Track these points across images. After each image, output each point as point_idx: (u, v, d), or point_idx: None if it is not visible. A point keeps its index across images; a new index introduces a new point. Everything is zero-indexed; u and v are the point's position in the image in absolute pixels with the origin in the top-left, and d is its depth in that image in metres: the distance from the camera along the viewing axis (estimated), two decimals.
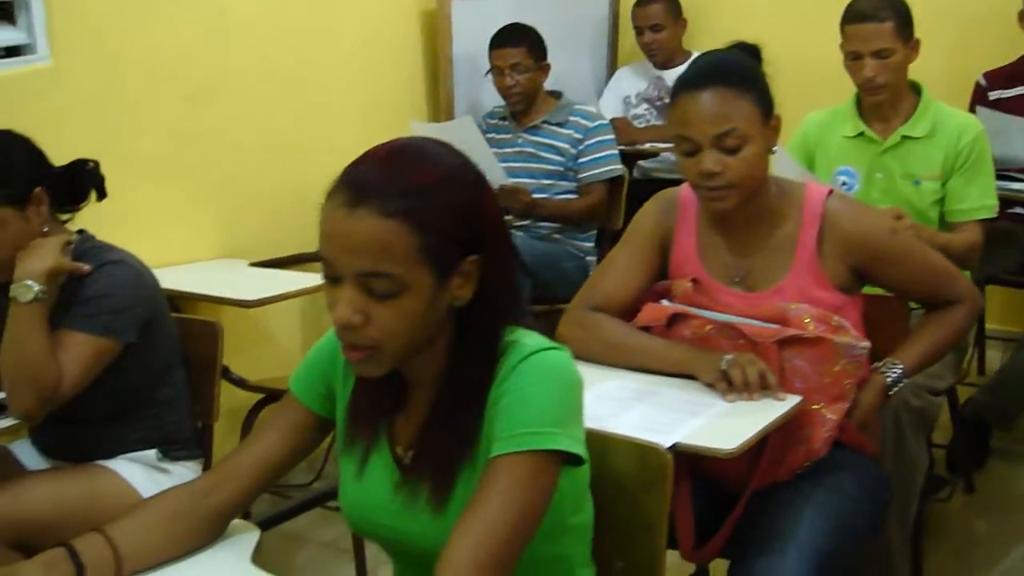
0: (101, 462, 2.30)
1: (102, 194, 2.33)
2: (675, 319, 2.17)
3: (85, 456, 2.32)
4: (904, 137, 2.98)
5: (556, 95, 3.99)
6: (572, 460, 1.41)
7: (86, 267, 2.20)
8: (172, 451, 2.37)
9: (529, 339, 1.47)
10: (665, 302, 2.23)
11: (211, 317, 2.64)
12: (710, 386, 2.04)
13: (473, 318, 1.44)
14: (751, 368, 1.99)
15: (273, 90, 3.41)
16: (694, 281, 2.19)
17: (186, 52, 3.10)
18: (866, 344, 2.03)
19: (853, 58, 2.96)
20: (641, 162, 4.47)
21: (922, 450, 2.67)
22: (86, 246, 2.27)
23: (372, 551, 2.98)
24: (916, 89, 3.03)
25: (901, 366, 2.18)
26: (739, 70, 2.08)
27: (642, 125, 4.52)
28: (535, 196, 3.72)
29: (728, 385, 2.00)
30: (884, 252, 2.14)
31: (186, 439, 2.42)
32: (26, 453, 2.43)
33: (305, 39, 3.56)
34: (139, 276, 2.27)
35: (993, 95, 3.63)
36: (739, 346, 2.09)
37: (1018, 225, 3.60)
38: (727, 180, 2.06)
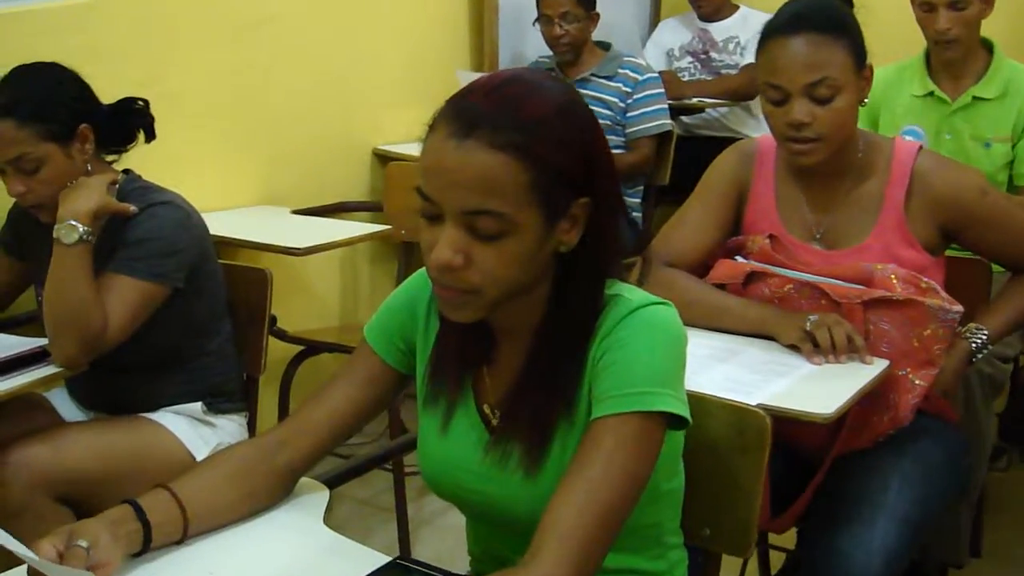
0: (144, 414, 2.22)
1: (151, 135, 2.23)
2: (752, 277, 2.07)
3: (127, 408, 2.23)
4: (975, 98, 2.86)
5: (604, 46, 3.86)
6: (675, 422, 1.31)
7: (132, 208, 2.11)
8: (218, 404, 2.29)
9: (631, 294, 1.37)
10: (740, 258, 2.13)
11: (250, 264, 2.54)
12: (791, 348, 1.94)
13: (577, 267, 1.34)
14: (838, 329, 1.90)
15: (319, 32, 3.29)
16: (771, 237, 2.09)
17: None
18: (959, 308, 1.93)
19: (926, 9, 2.83)
20: (684, 118, 4.34)
21: (991, 418, 2.58)
22: (132, 186, 2.17)
23: (413, 509, 2.92)
24: (988, 47, 2.91)
25: (986, 332, 2.08)
26: (833, 15, 1.97)
27: (686, 79, 4.39)
28: None
29: (813, 347, 1.90)
30: (976, 213, 2.04)
31: (232, 392, 2.33)
32: (63, 403, 2.35)
33: None
34: (188, 218, 2.17)
35: None
36: (820, 307, 1.99)
37: None
38: (816, 132, 1.96)
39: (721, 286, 2.10)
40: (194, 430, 2.22)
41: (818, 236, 2.09)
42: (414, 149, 3.60)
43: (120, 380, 2.21)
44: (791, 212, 2.11)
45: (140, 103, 2.20)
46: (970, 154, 2.87)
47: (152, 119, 2.20)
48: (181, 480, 1.41)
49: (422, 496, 3.09)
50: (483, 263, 1.25)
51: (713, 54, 4.39)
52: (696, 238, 2.16)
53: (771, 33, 2.00)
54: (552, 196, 1.25)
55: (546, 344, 1.36)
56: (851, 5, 2.06)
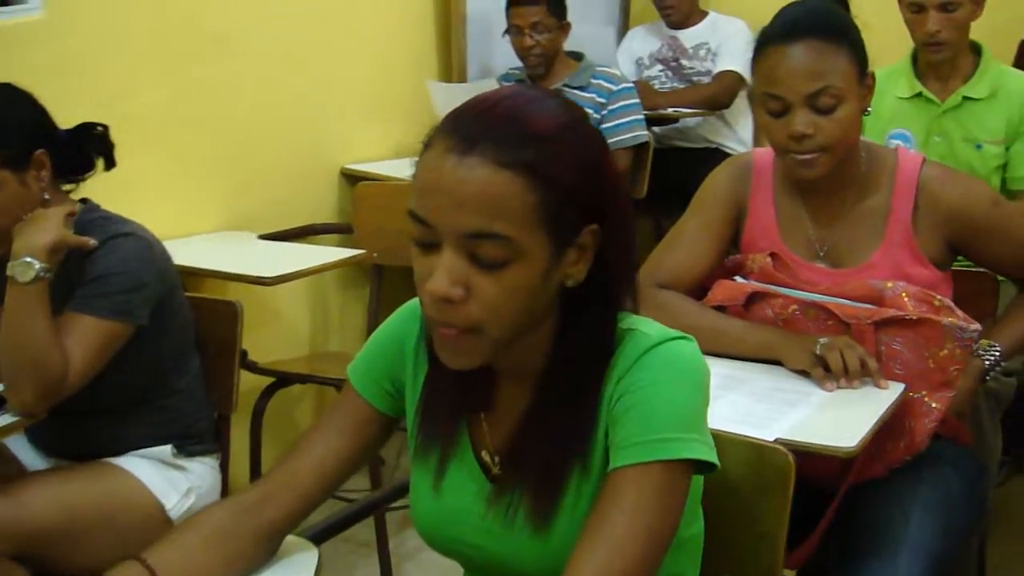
0: (109, 460, 2.07)
1: (111, 163, 2.08)
2: (754, 298, 1.97)
3: (91, 454, 2.08)
4: (965, 98, 2.79)
5: (577, 56, 3.76)
6: (700, 467, 1.20)
7: (92, 241, 1.96)
8: (188, 446, 2.14)
9: (648, 327, 1.25)
10: (739, 279, 2.02)
11: (215, 295, 2.39)
12: (799, 373, 1.83)
13: (585, 302, 1.22)
14: (850, 352, 1.79)
15: (282, 49, 3.14)
16: (773, 255, 1.99)
17: (193, 5, 2.82)
18: (977, 327, 1.83)
19: (915, 11, 2.74)
20: (656, 129, 4.24)
21: (997, 435, 2.47)
22: (90, 217, 2.03)
23: (395, 543, 2.80)
24: (975, 48, 2.84)
25: (999, 349, 1.99)
26: (834, 21, 1.88)
27: (659, 87, 4.29)
28: None
29: (824, 371, 1.80)
30: (986, 225, 1.95)
31: (202, 432, 2.19)
32: (23, 450, 2.19)
33: None
34: (151, 249, 2.03)
35: None
36: (827, 328, 1.89)
37: None
38: (819, 144, 1.86)
39: (721, 308, 1.99)
40: (163, 475, 2.07)
41: (822, 254, 1.99)
42: (385, 168, 3.49)
43: (83, 425, 2.07)
44: (792, 229, 2.01)
45: (100, 128, 2.05)
46: (960, 156, 2.80)
47: (112, 145, 2.06)
48: (155, 549, 1.27)
49: (403, 529, 2.96)
50: (484, 295, 1.12)
51: (684, 61, 4.30)
52: (692, 258, 2.05)
53: (768, 41, 1.90)
54: (560, 221, 1.13)
55: (554, 387, 1.24)
56: (848, 10, 1.97)
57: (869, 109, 1.93)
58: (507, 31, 3.65)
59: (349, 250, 2.77)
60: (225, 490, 2.22)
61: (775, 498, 1.46)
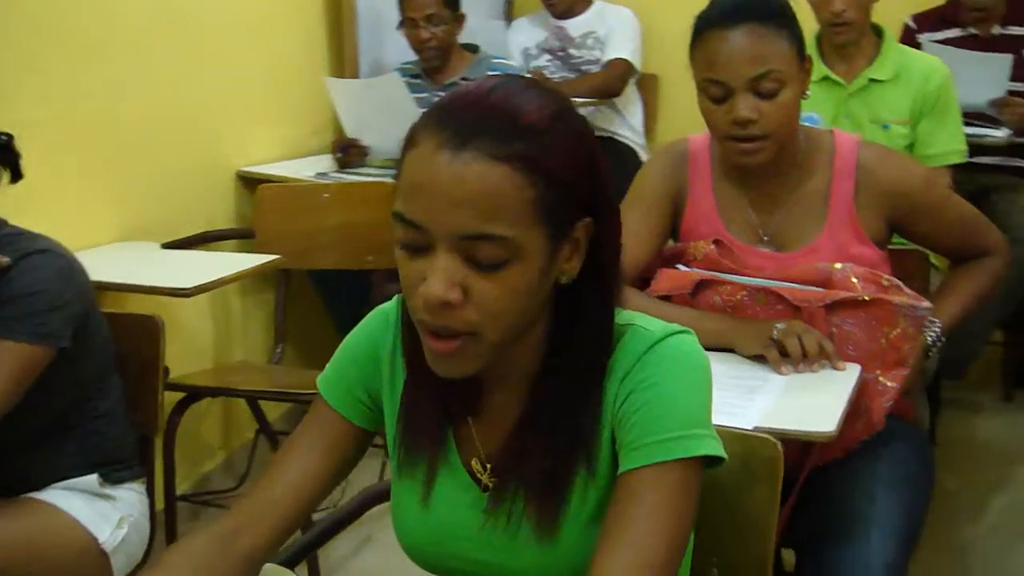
0: (33, 495, 1.93)
1: (17, 175, 1.93)
2: (701, 286, 1.95)
3: (12, 490, 1.94)
4: (871, 80, 2.84)
5: (472, 48, 3.70)
6: (710, 462, 1.17)
7: (5, 259, 1.82)
8: (114, 473, 2.02)
9: (645, 321, 1.21)
10: (682, 267, 2.00)
11: (112, 309, 2.25)
12: (752, 359, 1.82)
13: (581, 298, 1.16)
14: (808, 337, 1.79)
15: (171, 50, 2.97)
16: (716, 242, 1.97)
17: (70, 6, 2.65)
18: (928, 305, 1.84)
19: None
20: None
21: (925, 409, 2.52)
22: (0, 234, 1.88)
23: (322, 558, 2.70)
24: (877, 30, 2.89)
25: (939, 324, 2.01)
26: (773, 4, 1.87)
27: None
28: None
29: (779, 355, 1.79)
30: (922, 203, 1.98)
31: (128, 457, 2.07)
32: None
33: None
34: (70, 267, 1.90)
35: (922, 38, 3.52)
36: (777, 312, 1.88)
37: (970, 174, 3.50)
38: (763, 129, 1.86)
39: (666, 298, 1.97)
40: (92, 507, 1.94)
41: (765, 238, 1.98)
42: (282, 169, 3.37)
43: (1, 458, 1.92)
44: (734, 215, 2.00)
45: (3, 137, 1.90)
46: (868, 137, 2.80)
47: (18, 156, 1.91)
48: None
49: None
50: (482, 298, 1.06)
51: (572, 51, 4.28)
52: (632, 250, 2.00)
53: (707, 26, 1.88)
54: (557, 215, 1.08)
55: (552, 389, 1.19)
56: None
57: (808, 93, 1.93)
58: (401, 24, 3.57)
59: (262, 256, 2.65)
60: (152, 515, 2.10)
61: (764, 487, 1.43)
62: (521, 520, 1.19)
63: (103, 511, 1.96)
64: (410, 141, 1.08)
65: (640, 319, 1.22)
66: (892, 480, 1.82)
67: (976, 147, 3.01)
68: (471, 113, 1.06)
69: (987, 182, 3.29)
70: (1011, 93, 3.32)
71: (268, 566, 1.31)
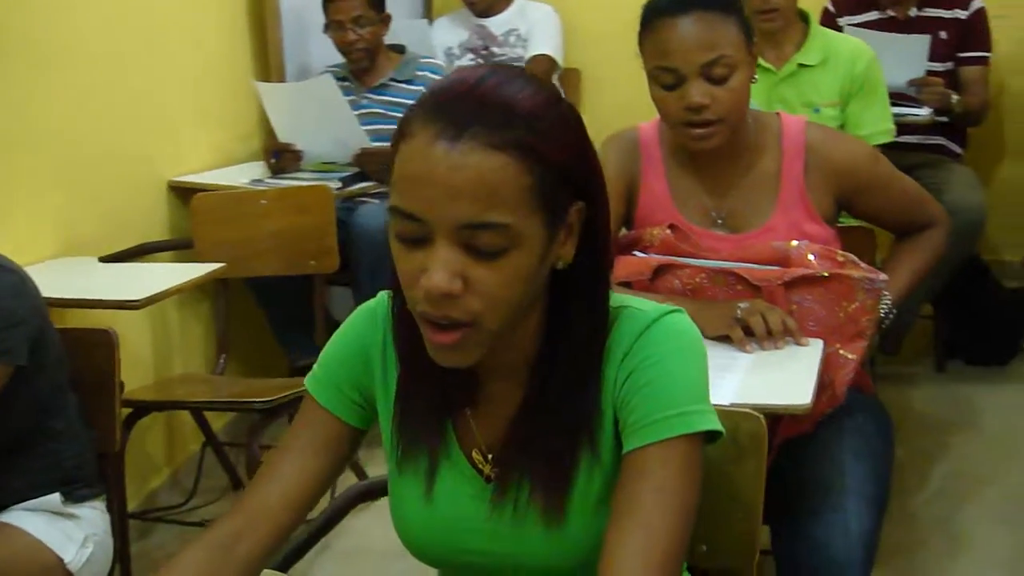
0: None
1: None
2: (660, 271, 1.97)
3: None
4: (800, 65, 2.90)
5: (399, 49, 3.68)
6: (709, 437, 1.19)
7: None
8: (76, 491, 1.98)
9: (637, 303, 1.23)
10: (639, 254, 2.02)
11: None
12: (716, 339, 1.85)
13: (576, 283, 1.17)
14: (772, 315, 1.82)
15: (90, 60, 2.89)
16: (672, 227, 1.99)
17: None
18: (884, 277, 1.89)
19: None
20: None
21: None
22: None
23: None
24: (803, 16, 2.95)
25: (890, 297, 2.06)
26: None
27: None
28: None
29: (743, 334, 1.82)
30: (869, 180, 2.03)
31: (89, 474, 2.03)
32: None
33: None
34: (23, 282, 1.86)
35: (842, 21, 3.60)
36: (738, 293, 1.92)
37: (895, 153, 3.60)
38: (715, 114, 1.89)
39: (626, 285, 1.99)
40: (57, 527, 1.90)
41: (720, 221, 2.02)
42: (214, 177, 3.32)
43: None
44: (687, 200, 2.03)
45: None
46: None
47: None
48: None
49: None
50: (483, 286, 1.07)
51: (495, 49, 4.29)
52: None
53: (656, 15, 1.90)
54: (553, 201, 1.09)
55: (551, 375, 1.19)
56: None
57: (756, 77, 1.96)
58: (327, 27, 3.53)
59: (206, 265, 2.61)
60: (116, 532, 2.07)
61: (750, 463, 1.46)
62: (528, 508, 1.20)
63: (67, 530, 1.92)
64: (402, 134, 1.08)
65: (632, 301, 1.23)
66: (859, 450, 1.87)
67: (900, 126, 3.09)
68: (465, 103, 1.06)
69: (911, 161, 3.38)
70: (929, 73, 3.43)
71: (267, 572, 1.29)
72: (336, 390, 1.29)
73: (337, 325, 1.36)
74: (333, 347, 1.33)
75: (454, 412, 1.25)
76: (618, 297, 1.23)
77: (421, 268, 1.07)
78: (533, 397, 1.20)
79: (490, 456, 1.24)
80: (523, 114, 1.07)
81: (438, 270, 1.05)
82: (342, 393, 1.29)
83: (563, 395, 1.19)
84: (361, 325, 1.32)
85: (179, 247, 3.14)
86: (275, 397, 2.60)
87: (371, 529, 2.69)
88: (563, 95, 1.17)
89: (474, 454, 1.25)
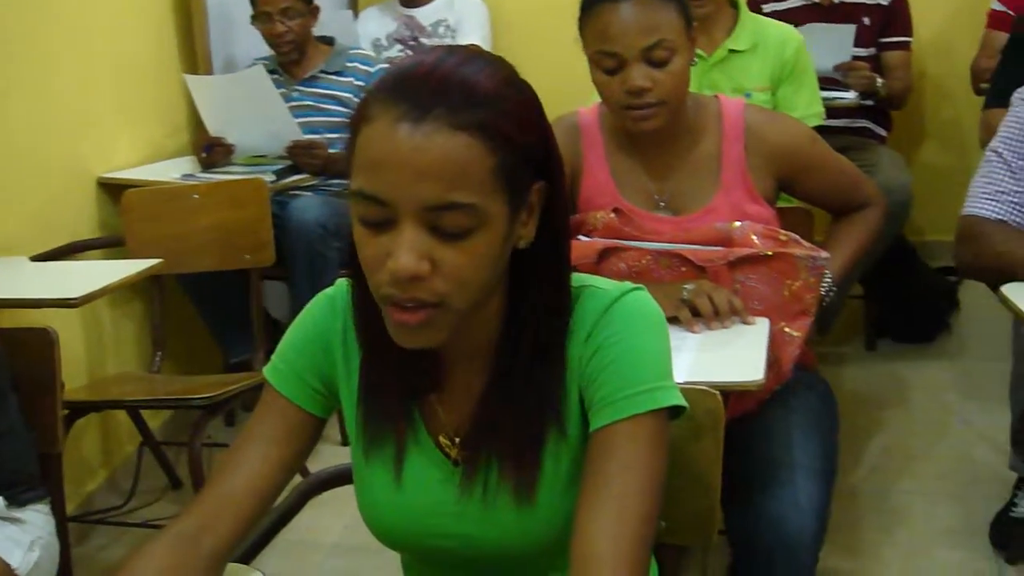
0: None
1: None
2: (605, 254, 1.98)
3: None
4: (730, 51, 2.92)
5: (328, 41, 3.65)
6: (673, 413, 1.20)
7: None
8: (20, 494, 1.93)
9: (597, 282, 1.25)
10: (583, 237, 2.03)
11: None
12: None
13: (537, 263, 1.18)
14: (718, 295, 1.85)
15: (14, 58, 2.83)
16: (615, 210, 2.01)
17: None
18: (826, 255, 1.93)
19: None
20: None
21: None
22: None
23: None
24: (733, 2, 2.98)
25: (830, 276, 2.10)
26: None
27: None
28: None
29: (690, 314, 1.84)
30: (808, 160, 2.07)
31: (32, 476, 1.98)
32: None
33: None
34: None
35: (766, 8, 3.65)
36: (683, 274, 1.94)
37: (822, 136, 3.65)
38: (657, 96, 1.91)
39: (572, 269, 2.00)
40: (1, 532, 1.85)
41: (662, 204, 2.04)
42: (144, 173, 3.27)
43: None
44: (630, 183, 2.05)
45: None
46: None
47: None
48: None
49: None
50: (450, 267, 1.07)
51: (423, 40, 4.27)
52: None
53: (597, 0, 1.91)
54: (515, 180, 1.09)
55: (515, 355, 1.19)
56: None
57: (695, 59, 1.99)
58: (255, 19, 3.48)
59: (142, 261, 2.55)
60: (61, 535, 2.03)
61: (707, 439, 1.48)
62: (497, 490, 1.21)
63: (12, 535, 1.87)
64: (362, 117, 1.07)
65: (592, 280, 1.24)
66: (807, 427, 1.91)
67: (827, 110, 3.14)
68: (426, 85, 1.06)
69: (838, 143, 3.41)
70: (854, 58, 3.50)
71: (231, 566, 1.28)
72: (297, 379, 1.28)
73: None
74: (292, 336, 1.32)
75: (419, 397, 1.25)
76: (579, 276, 1.24)
77: (386, 252, 1.06)
78: (498, 379, 1.21)
79: (457, 440, 1.24)
80: (485, 94, 1.07)
81: (405, 252, 1.05)
82: (303, 382, 1.28)
83: (527, 376, 1.19)
84: (320, 314, 1.30)
85: (110, 245, 3.08)
86: (216, 393, 2.57)
87: (317, 522, 2.69)
88: (518, 73, 1.16)
89: (441, 438, 1.25)
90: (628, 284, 1.24)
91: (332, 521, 2.80)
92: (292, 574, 2.60)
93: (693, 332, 1.83)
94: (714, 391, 1.48)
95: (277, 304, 3.50)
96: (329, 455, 1.87)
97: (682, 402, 1.19)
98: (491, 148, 1.06)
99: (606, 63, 1.91)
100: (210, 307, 3.36)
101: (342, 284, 1.28)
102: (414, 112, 1.04)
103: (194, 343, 3.51)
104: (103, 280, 2.34)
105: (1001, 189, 2.10)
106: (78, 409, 2.65)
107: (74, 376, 2.98)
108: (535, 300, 1.19)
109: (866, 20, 3.63)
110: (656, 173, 2.04)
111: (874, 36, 3.65)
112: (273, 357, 1.31)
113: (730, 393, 1.83)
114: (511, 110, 1.09)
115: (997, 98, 2.93)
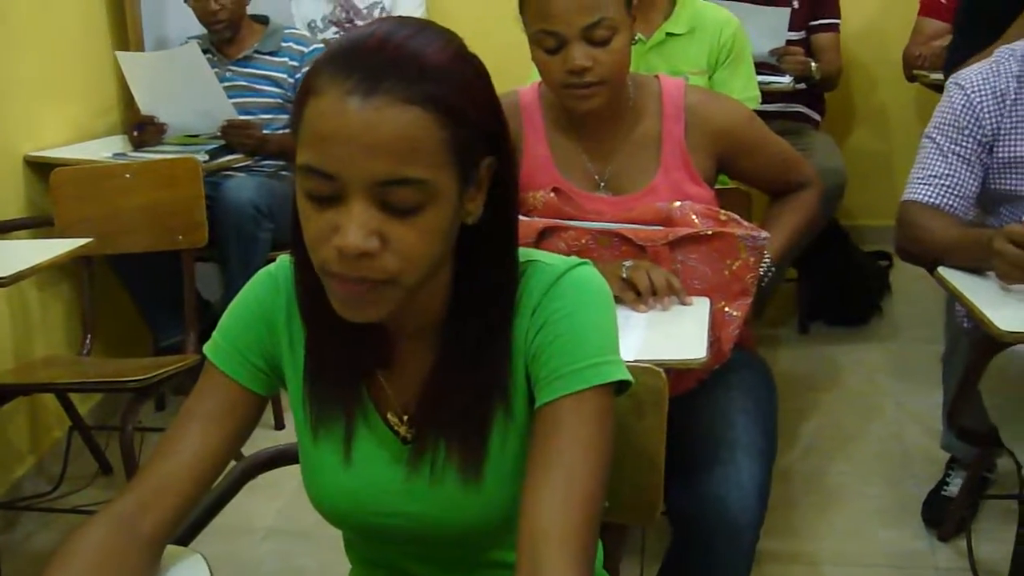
0: None
1: None
2: (545, 233, 1.97)
3: None
4: (668, 34, 2.93)
5: (262, 20, 3.59)
6: (619, 388, 1.19)
7: None
8: None
9: (544, 257, 1.24)
10: (522, 217, 2.02)
11: None
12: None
13: (485, 238, 1.17)
14: (656, 273, 1.85)
15: None
16: (555, 190, 2.00)
17: None
18: (766, 234, 1.94)
19: None
20: None
21: None
22: None
23: None
24: None
25: (769, 256, 2.11)
26: None
27: None
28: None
29: (635, 295, 1.84)
30: (747, 141, 2.08)
31: None
32: None
33: None
34: None
35: None
36: (623, 253, 1.94)
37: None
38: (598, 75, 1.90)
39: None
40: None
41: (603, 184, 2.04)
42: (73, 152, 3.20)
43: None
44: (570, 163, 2.05)
45: None
46: None
47: None
48: None
49: None
50: (400, 244, 1.05)
51: (359, 22, 4.22)
52: None
53: None
54: (465, 155, 1.08)
55: (462, 332, 1.19)
56: None
57: (636, 38, 1.98)
58: None
59: (73, 240, 2.49)
60: None
61: (652, 417, 1.47)
62: (445, 468, 1.20)
63: None
64: (310, 90, 1.05)
65: (538, 255, 1.24)
66: (747, 406, 1.91)
67: (763, 94, 3.17)
68: (376, 58, 1.03)
69: (773, 127, 3.42)
70: (788, 43, 3.53)
71: (171, 548, 1.25)
72: (239, 356, 1.26)
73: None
74: (233, 313, 1.29)
75: (367, 375, 1.24)
76: (525, 251, 1.23)
77: (332, 227, 1.04)
78: (445, 355, 1.20)
79: (406, 417, 1.23)
80: (436, 67, 1.05)
81: (354, 228, 1.03)
82: (244, 359, 1.26)
83: (474, 352, 1.18)
84: (262, 291, 1.28)
85: (38, 225, 3.01)
86: (147, 376, 2.52)
87: (252, 506, 2.66)
88: (467, 47, 1.14)
89: (390, 416, 1.24)
90: (575, 259, 1.23)
91: (266, 505, 2.77)
92: (227, 557, 2.56)
93: (638, 312, 1.83)
94: (658, 369, 1.48)
95: (208, 286, 3.45)
96: (262, 439, 1.85)
97: (628, 377, 1.18)
98: (442, 122, 1.04)
99: (547, 42, 1.90)
100: (141, 289, 3.29)
101: (283, 260, 1.26)
102: (364, 85, 1.01)
103: (124, 326, 3.45)
104: (30, 260, 2.27)
105: (933, 173, 2.13)
106: (5, 393, 2.60)
107: (0, 359, 2.92)
108: (482, 277, 1.18)
109: (795, 3, 3.67)
110: (596, 153, 2.04)
111: (804, 19, 3.71)
112: (214, 335, 1.29)
113: (670, 372, 1.85)
114: (463, 84, 1.07)
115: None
